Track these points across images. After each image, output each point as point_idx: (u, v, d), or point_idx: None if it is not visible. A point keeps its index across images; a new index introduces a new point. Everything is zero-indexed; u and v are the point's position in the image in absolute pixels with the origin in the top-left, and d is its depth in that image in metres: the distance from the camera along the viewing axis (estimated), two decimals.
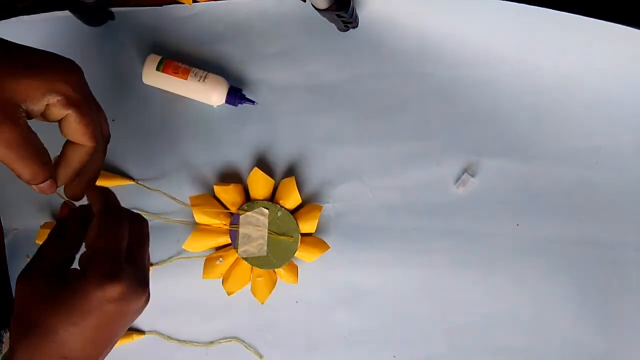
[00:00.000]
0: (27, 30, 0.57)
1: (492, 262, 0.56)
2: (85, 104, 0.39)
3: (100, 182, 0.57)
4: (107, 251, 0.37)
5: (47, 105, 0.37)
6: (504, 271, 0.56)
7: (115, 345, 0.58)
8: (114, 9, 0.57)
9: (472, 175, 0.56)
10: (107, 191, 0.41)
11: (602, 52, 0.54)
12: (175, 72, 0.55)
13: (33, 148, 0.37)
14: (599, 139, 0.56)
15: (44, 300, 0.36)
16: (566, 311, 0.56)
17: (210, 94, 0.55)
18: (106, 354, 0.39)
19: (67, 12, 0.55)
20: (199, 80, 0.55)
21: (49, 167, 0.39)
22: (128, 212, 0.41)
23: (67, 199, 0.43)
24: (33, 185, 0.39)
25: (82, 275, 0.36)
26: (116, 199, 0.41)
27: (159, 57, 0.55)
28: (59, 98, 0.37)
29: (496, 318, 0.57)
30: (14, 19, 0.57)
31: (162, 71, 0.55)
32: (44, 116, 0.38)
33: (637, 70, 0.55)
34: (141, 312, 0.40)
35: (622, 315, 0.56)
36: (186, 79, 0.55)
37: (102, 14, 0.56)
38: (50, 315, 0.36)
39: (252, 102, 0.57)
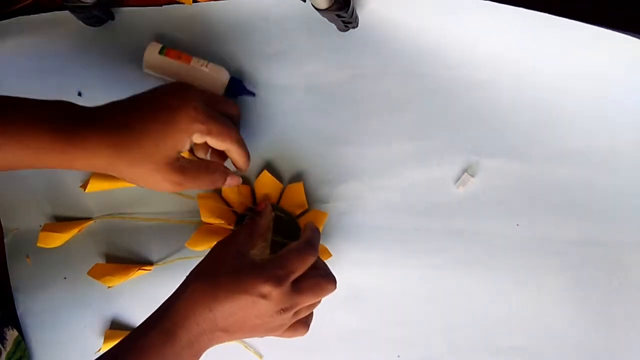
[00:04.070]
0: (27, 31, 0.57)
1: (492, 262, 0.56)
2: (213, 125, 0.47)
3: (105, 184, 0.57)
4: (290, 263, 0.45)
5: (191, 140, 0.47)
6: (504, 271, 0.56)
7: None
8: (114, 9, 0.57)
9: (472, 175, 0.56)
10: (318, 231, 0.50)
11: (601, 52, 0.54)
12: (178, 57, 0.55)
13: (196, 173, 0.48)
14: (599, 139, 0.56)
15: (228, 267, 0.45)
16: (566, 311, 0.56)
17: (211, 82, 0.55)
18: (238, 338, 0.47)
19: (67, 12, 0.55)
20: (201, 66, 0.55)
21: (219, 174, 0.51)
22: (325, 265, 0.49)
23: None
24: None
25: (258, 264, 0.45)
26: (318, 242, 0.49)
27: (161, 45, 0.55)
28: (194, 136, 0.47)
29: (496, 318, 0.57)
30: (14, 19, 0.57)
31: (165, 55, 0.55)
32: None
33: (637, 70, 0.55)
34: (270, 334, 0.48)
35: (622, 315, 0.56)
36: (189, 64, 0.55)
37: (102, 14, 0.56)
38: (223, 275, 0.45)
39: (252, 93, 0.56)
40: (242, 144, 0.51)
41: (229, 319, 0.44)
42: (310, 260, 0.46)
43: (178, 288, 0.47)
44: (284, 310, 0.45)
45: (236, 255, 0.47)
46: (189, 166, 0.48)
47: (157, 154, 0.46)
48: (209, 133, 0.47)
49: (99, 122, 0.46)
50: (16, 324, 0.59)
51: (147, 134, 0.46)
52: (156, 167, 0.46)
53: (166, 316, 0.45)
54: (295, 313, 0.47)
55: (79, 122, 0.45)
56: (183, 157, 0.48)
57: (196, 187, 0.49)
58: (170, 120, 0.46)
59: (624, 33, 0.52)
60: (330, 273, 0.48)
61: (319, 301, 0.48)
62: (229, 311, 0.44)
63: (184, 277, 0.58)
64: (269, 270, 0.44)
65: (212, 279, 0.45)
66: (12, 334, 0.57)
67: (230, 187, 0.53)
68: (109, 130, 0.45)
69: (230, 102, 0.52)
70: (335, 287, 0.47)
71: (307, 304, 0.46)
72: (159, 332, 0.44)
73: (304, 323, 0.49)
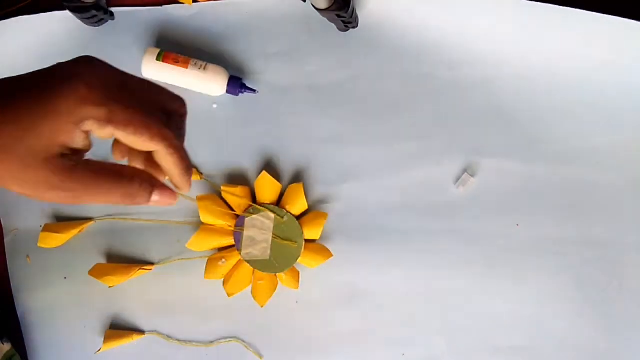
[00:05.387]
0: (27, 30, 0.57)
1: (492, 262, 0.56)
2: (117, 110, 0.32)
3: None
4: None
5: (87, 133, 0.32)
6: (504, 271, 0.56)
7: (114, 346, 0.58)
8: (114, 9, 0.57)
9: (472, 175, 0.56)
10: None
11: (601, 52, 0.54)
12: (175, 62, 0.55)
13: (96, 180, 0.32)
14: (599, 139, 0.56)
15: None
16: (566, 311, 0.56)
17: (211, 83, 0.55)
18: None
19: (67, 12, 0.55)
20: (199, 69, 0.55)
21: (137, 186, 0.34)
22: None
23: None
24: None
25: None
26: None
27: (158, 49, 0.55)
28: (89, 124, 0.31)
29: (496, 318, 0.57)
30: (14, 19, 0.57)
31: (162, 61, 0.55)
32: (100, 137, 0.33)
33: (637, 70, 0.55)
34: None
35: (622, 315, 0.56)
36: (186, 68, 0.55)
37: (102, 14, 0.56)
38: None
39: (253, 90, 0.57)
40: (174, 146, 0.33)
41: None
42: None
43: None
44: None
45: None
46: (84, 168, 0.32)
47: (24, 143, 0.31)
48: (109, 121, 0.31)
49: None
50: (10, 335, 0.59)
51: (11, 117, 0.31)
52: (24, 161, 0.31)
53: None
54: None
55: None
56: (75, 155, 0.32)
57: (101, 200, 0.33)
58: (48, 98, 0.31)
59: (626, 19, 0.52)
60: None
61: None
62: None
63: (185, 278, 0.58)
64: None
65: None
66: (2, 348, 0.57)
67: (159, 205, 0.35)
68: None
69: (173, 95, 0.35)
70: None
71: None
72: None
73: None
